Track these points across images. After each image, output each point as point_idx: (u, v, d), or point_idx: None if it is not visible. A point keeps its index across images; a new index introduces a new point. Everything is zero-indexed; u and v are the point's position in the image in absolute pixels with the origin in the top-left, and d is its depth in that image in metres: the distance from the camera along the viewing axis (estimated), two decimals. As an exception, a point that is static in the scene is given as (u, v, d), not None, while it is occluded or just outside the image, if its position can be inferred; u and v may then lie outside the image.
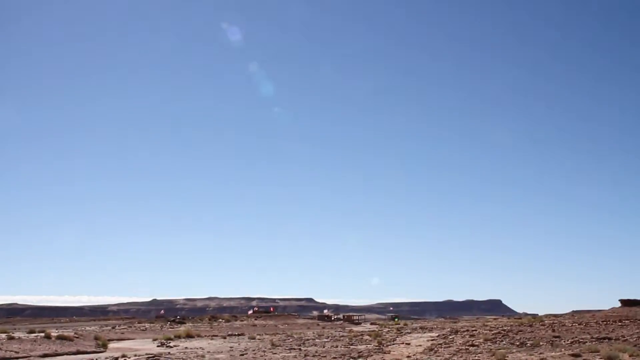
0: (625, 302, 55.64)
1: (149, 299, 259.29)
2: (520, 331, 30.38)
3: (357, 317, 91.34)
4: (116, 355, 22.52)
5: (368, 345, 26.78)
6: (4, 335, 28.70)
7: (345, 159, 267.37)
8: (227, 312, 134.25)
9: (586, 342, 22.75)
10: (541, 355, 19.00)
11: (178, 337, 35.49)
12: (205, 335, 38.64)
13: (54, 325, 51.25)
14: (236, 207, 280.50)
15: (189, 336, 36.65)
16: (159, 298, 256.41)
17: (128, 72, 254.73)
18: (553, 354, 19.35)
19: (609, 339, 23.60)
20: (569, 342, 23.11)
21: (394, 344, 27.67)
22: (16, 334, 30.11)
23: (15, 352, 23.18)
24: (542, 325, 34.91)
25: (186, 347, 27.42)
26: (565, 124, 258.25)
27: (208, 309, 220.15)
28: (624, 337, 24.37)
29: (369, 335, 34.48)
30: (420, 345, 25.93)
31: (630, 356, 17.05)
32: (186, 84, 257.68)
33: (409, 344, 27.71)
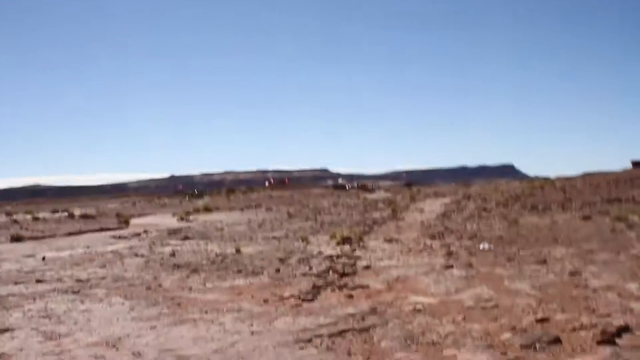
0: (637, 164, 55.72)
1: (167, 175, 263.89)
2: (532, 195, 30.82)
3: (371, 185, 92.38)
4: (138, 231, 23.15)
5: (382, 213, 27.34)
6: (29, 216, 29.58)
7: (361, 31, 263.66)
8: (243, 185, 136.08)
9: (597, 204, 23.12)
10: (552, 218, 19.41)
11: (197, 211, 36.21)
12: (224, 208, 39.47)
13: (76, 204, 52.53)
14: (249, 80, 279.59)
15: (207, 210, 37.38)
16: (176, 174, 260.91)
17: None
18: (564, 216, 19.75)
19: (620, 200, 23.92)
20: (579, 204, 23.49)
21: (407, 211, 28.22)
22: (40, 214, 30.97)
23: (41, 231, 23.94)
24: (553, 188, 35.33)
25: (205, 221, 28.09)
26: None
27: (225, 183, 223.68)
28: (635, 198, 24.67)
29: (383, 203, 35.09)
30: (433, 211, 26.44)
31: None
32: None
33: (422, 210, 28.24)
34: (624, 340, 5.98)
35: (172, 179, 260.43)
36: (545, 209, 22.60)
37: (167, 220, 30.38)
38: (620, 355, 5.50)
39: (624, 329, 6.24)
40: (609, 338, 5.94)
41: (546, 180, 53.47)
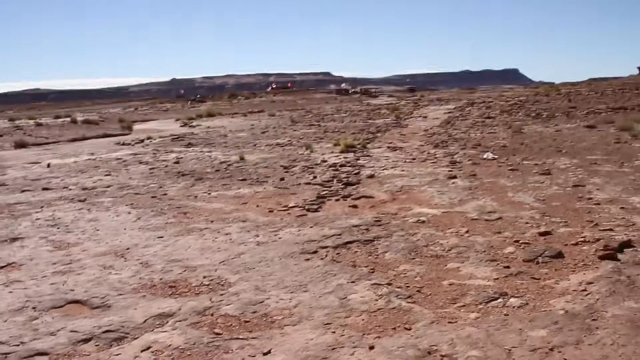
0: (644, 69, 55.11)
1: (168, 79, 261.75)
2: (537, 102, 30.60)
3: (374, 90, 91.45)
4: (141, 137, 23.10)
5: (386, 120, 27.24)
6: (31, 122, 29.50)
7: None
8: (245, 89, 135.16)
9: (602, 112, 22.94)
10: (556, 127, 19.31)
11: (200, 116, 36.06)
12: (226, 114, 39.31)
13: (78, 109, 52.29)
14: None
15: (210, 115, 37.21)
16: (178, 77, 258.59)
17: None
18: (568, 125, 19.64)
19: (625, 108, 23.71)
20: (584, 112, 23.32)
21: (411, 118, 28.11)
22: (43, 120, 30.88)
23: (45, 137, 23.94)
24: (558, 94, 35.04)
25: (208, 127, 28.03)
26: None
27: (227, 87, 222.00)
28: (640, 106, 24.47)
29: (387, 109, 34.90)
30: (437, 119, 26.33)
31: (644, 127, 17.27)
32: None
33: (426, 117, 28.12)
34: (625, 256, 6.04)
35: (174, 82, 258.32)
36: (550, 117, 22.46)
37: (170, 126, 30.32)
38: (622, 271, 5.57)
39: (626, 244, 6.30)
40: (611, 253, 6.00)
41: (551, 86, 52.88)
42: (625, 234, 6.78)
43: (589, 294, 5.13)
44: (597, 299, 4.98)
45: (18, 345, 4.61)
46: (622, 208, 8.14)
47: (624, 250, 6.16)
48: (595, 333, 4.34)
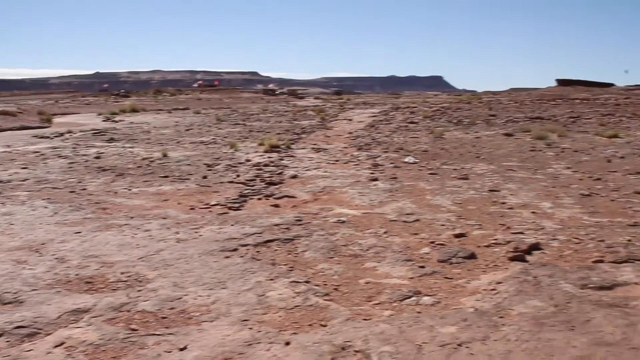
0: (561, 82, 57.47)
1: (91, 72, 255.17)
2: (459, 109, 31.39)
3: (301, 92, 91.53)
4: (62, 130, 22.51)
5: (311, 121, 27.39)
6: (-57, 110, 28.22)
7: None
8: (171, 85, 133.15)
9: (519, 121, 23.78)
10: (476, 134, 19.88)
11: (123, 111, 35.34)
12: (151, 110, 38.65)
13: (-5, 98, 50.29)
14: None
15: (134, 111, 36.51)
16: (102, 71, 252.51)
17: None
18: (488, 132, 20.26)
19: (542, 118, 24.69)
20: (503, 120, 24.12)
21: (336, 120, 28.36)
22: (-44, 109, 29.58)
23: (-42, 127, 23.01)
24: (480, 102, 36.04)
25: (132, 122, 27.54)
26: None
27: (152, 82, 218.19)
28: (556, 117, 25.51)
29: (313, 111, 35.09)
30: (361, 122, 26.66)
31: (559, 136, 18.04)
32: None
33: (351, 120, 28.43)
34: (533, 257, 6.33)
35: (97, 75, 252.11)
36: (471, 124, 23.09)
37: (92, 120, 29.62)
38: (529, 272, 5.82)
39: (535, 247, 6.61)
40: (520, 255, 6.28)
41: (474, 94, 54.23)
42: (535, 237, 7.08)
43: (497, 293, 5.35)
44: (505, 298, 5.20)
45: None
46: (533, 213, 8.49)
47: (533, 252, 6.45)
48: (501, 329, 4.53)
